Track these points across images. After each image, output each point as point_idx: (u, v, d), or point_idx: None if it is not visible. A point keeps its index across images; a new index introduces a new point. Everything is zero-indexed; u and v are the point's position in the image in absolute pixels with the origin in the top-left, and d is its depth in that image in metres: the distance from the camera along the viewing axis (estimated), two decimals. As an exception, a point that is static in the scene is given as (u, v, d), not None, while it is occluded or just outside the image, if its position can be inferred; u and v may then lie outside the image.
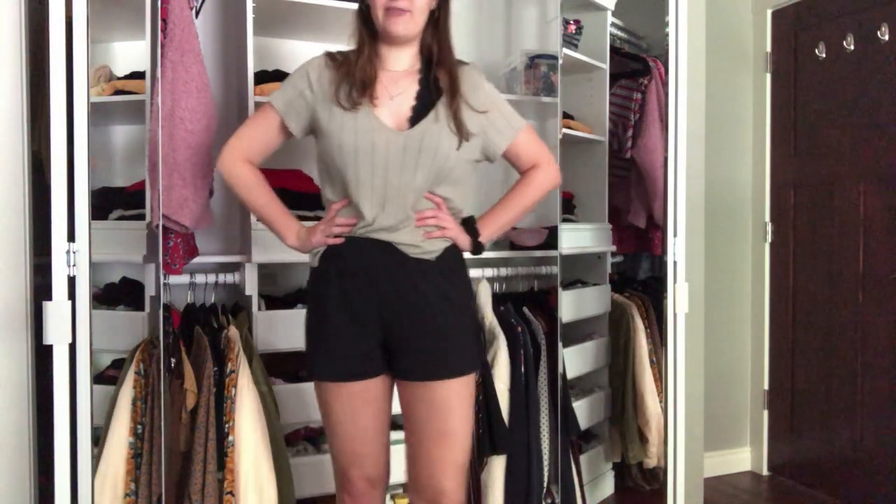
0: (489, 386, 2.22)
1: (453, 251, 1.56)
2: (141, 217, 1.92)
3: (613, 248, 2.80)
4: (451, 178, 1.52)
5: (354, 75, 1.50)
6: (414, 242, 1.50)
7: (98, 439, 1.77)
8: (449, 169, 1.50)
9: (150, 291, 1.94)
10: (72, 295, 1.53)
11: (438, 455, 1.52)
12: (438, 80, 1.53)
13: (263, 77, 2.17)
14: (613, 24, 2.80)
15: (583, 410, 2.60)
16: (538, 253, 2.59)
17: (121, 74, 2.02)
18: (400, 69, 1.55)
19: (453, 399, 1.51)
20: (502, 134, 1.59)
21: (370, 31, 1.54)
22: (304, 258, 2.10)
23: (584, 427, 2.61)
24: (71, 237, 1.52)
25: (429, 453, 1.53)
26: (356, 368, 1.52)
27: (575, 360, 2.60)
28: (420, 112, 1.50)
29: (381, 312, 1.50)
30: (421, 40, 1.55)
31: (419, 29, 1.52)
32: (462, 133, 1.49)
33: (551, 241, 2.51)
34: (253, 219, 2.05)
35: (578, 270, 2.79)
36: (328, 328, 1.52)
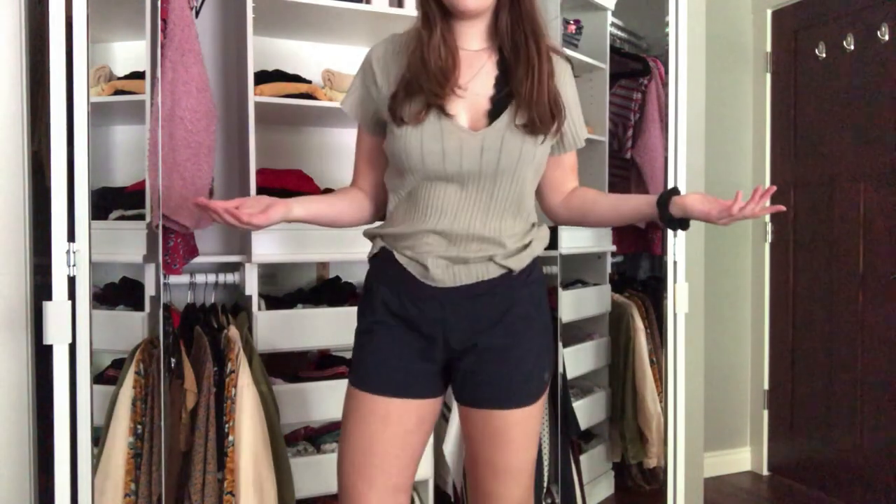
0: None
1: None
2: (141, 217, 1.92)
3: (613, 248, 2.80)
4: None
5: (428, 60, 1.26)
6: None
7: (98, 439, 1.77)
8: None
9: (150, 291, 1.94)
10: (72, 295, 1.52)
11: None
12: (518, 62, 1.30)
13: (263, 77, 2.16)
14: (613, 24, 2.80)
15: (583, 410, 2.60)
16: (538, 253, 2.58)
17: (121, 74, 2.02)
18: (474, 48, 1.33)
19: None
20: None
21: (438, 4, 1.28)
22: (304, 258, 2.11)
23: (584, 427, 2.61)
24: (71, 237, 1.52)
25: None
26: None
27: (575, 360, 2.59)
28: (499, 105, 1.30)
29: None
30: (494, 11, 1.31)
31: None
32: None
33: (551, 240, 2.50)
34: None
35: (578, 270, 2.79)
36: None
